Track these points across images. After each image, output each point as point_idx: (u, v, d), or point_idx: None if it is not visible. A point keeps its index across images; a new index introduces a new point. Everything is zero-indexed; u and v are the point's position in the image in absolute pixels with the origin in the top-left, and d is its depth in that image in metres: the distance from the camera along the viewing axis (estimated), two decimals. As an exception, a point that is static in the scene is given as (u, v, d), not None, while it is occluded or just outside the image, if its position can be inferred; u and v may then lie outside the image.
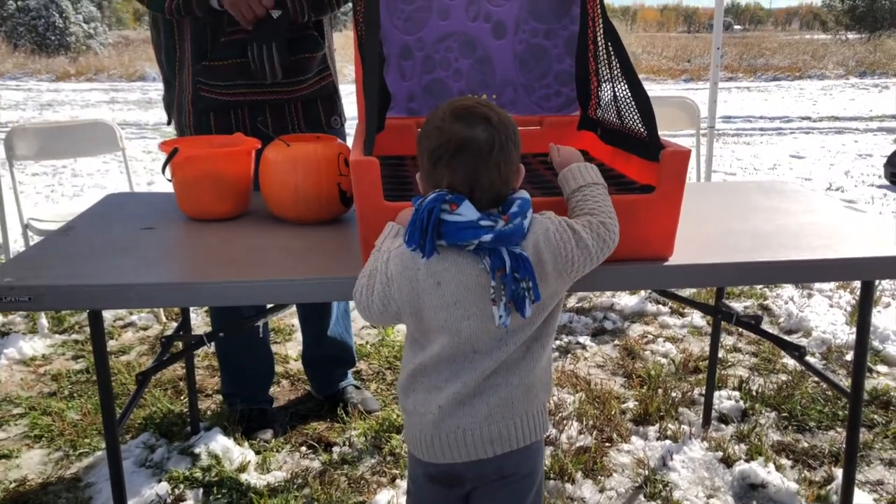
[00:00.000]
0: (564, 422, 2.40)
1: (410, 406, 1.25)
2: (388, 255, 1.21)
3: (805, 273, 1.59)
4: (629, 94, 1.54)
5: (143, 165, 7.14)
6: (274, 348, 3.02)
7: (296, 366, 2.88)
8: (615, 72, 1.62)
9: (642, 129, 1.50)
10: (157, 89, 15.05)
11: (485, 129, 1.13)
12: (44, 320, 3.18)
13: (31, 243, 3.01)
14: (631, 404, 2.54)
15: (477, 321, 1.17)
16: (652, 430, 2.37)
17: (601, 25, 1.69)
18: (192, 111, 2.10)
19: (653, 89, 14.35)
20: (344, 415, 2.43)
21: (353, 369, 2.66)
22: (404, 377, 1.26)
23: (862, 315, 1.68)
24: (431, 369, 1.22)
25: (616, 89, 1.63)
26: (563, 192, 1.33)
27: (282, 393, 2.67)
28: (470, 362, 1.20)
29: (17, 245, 3.78)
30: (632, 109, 1.55)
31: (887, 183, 6.09)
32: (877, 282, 3.55)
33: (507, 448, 1.23)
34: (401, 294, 1.18)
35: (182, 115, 2.14)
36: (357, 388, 2.56)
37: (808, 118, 10.50)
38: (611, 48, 1.62)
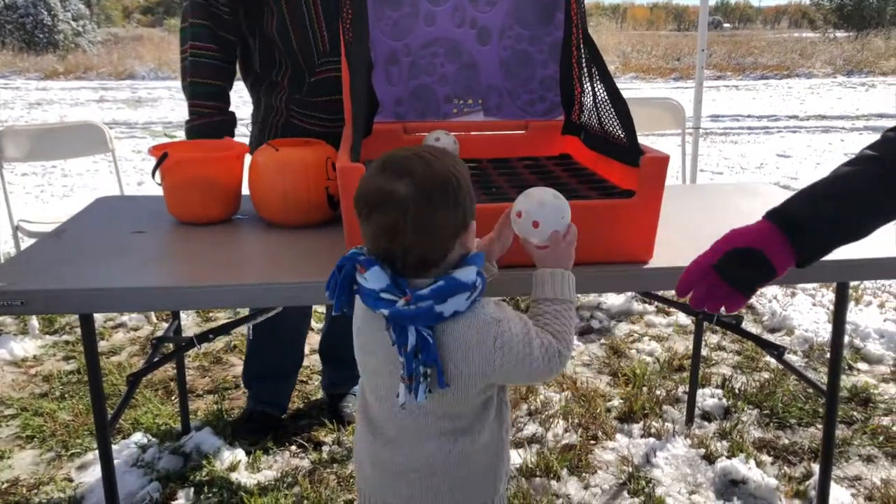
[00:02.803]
0: (550, 420, 2.44)
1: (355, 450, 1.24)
2: None
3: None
4: (608, 100, 1.58)
5: (132, 165, 7.13)
6: (264, 348, 3.05)
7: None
8: (594, 77, 1.66)
9: (622, 135, 1.54)
10: (146, 88, 15.00)
11: (405, 184, 0.99)
12: (34, 321, 3.19)
13: (22, 245, 3.02)
14: (616, 402, 2.58)
15: (387, 384, 1.10)
16: (636, 428, 2.42)
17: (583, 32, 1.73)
18: (279, 133, 2.16)
19: (642, 88, 14.46)
20: (331, 423, 2.44)
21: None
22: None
23: (837, 315, 1.73)
24: (364, 419, 1.18)
25: (596, 95, 1.66)
26: (532, 289, 1.18)
27: (272, 393, 2.69)
28: (389, 428, 1.13)
29: (6, 246, 3.79)
30: (611, 115, 1.58)
31: (872, 182, 6.16)
32: (859, 281, 3.61)
33: None
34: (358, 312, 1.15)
35: (265, 131, 2.20)
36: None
37: (796, 117, 10.58)
38: (588, 55, 1.66)
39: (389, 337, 1.04)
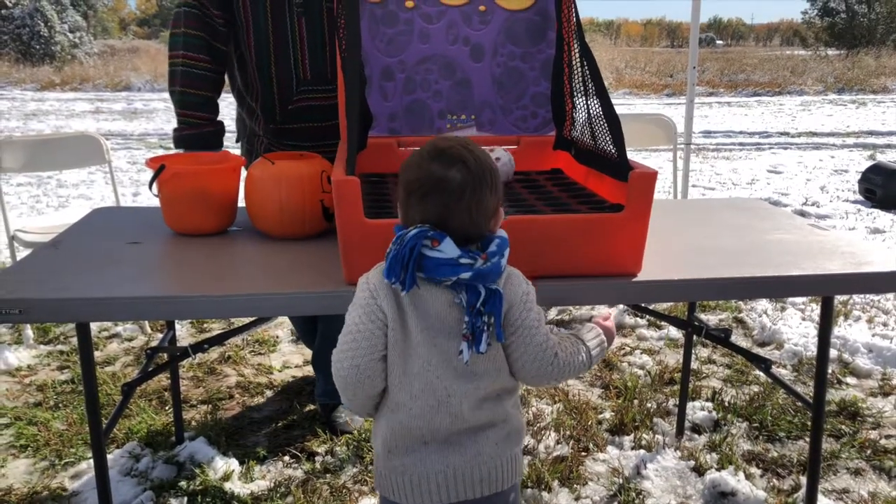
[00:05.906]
0: (542, 432, 2.46)
1: (389, 446, 1.24)
2: (366, 276, 1.21)
3: (765, 289, 1.67)
4: (602, 115, 1.62)
5: (128, 177, 7.15)
6: (258, 359, 3.07)
7: (279, 377, 2.92)
8: (590, 93, 1.69)
9: (613, 150, 1.57)
10: (142, 99, 15.04)
11: (459, 171, 1.13)
12: (29, 331, 3.20)
13: (18, 255, 3.03)
14: (607, 415, 2.60)
15: (445, 351, 1.17)
16: (627, 440, 2.44)
17: (577, 48, 1.76)
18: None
19: (635, 104, 14.56)
20: (324, 433, 2.45)
21: None
22: (383, 411, 1.26)
23: (823, 329, 1.76)
24: (410, 402, 1.20)
25: (591, 110, 1.70)
26: (580, 326, 1.38)
27: (266, 403, 2.71)
28: (447, 398, 1.19)
29: (2, 256, 3.79)
30: (604, 130, 1.62)
31: (861, 198, 6.22)
32: (847, 296, 3.65)
33: (493, 489, 1.24)
34: (388, 303, 1.16)
35: (252, 156, 2.25)
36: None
37: (787, 133, 10.68)
38: (587, 69, 1.69)
39: (460, 302, 1.14)
